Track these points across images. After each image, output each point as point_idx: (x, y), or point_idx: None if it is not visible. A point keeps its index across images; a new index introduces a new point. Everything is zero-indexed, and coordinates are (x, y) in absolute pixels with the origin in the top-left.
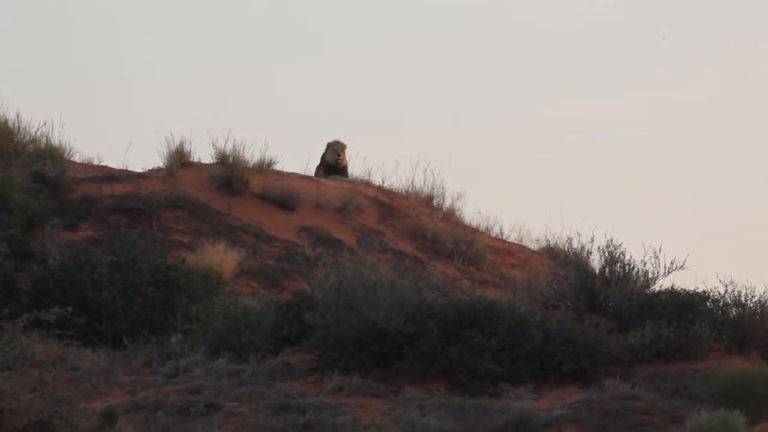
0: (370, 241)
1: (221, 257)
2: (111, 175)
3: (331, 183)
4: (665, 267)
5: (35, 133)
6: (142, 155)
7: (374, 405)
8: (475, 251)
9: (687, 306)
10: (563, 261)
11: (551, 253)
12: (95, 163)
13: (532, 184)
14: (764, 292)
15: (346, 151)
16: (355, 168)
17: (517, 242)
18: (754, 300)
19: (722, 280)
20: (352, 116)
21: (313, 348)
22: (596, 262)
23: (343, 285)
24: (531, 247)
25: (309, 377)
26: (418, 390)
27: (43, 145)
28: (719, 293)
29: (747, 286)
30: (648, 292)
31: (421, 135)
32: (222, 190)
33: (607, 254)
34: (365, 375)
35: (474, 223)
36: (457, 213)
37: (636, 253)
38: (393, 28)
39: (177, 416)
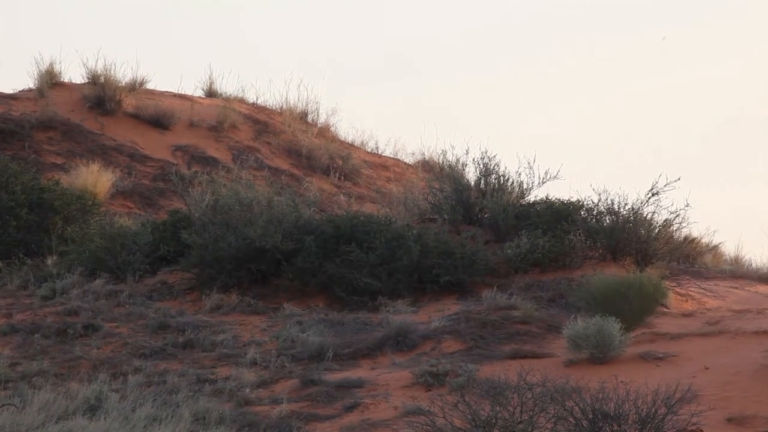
0: (246, 159)
1: (95, 178)
2: None
3: (205, 101)
4: (539, 177)
5: None
6: (11, 76)
7: (253, 322)
8: (351, 166)
9: (562, 215)
10: (438, 174)
11: (426, 166)
12: None
13: (407, 99)
14: (636, 200)
15: None
16: (229, 85)
17: (392, 156)
18: (626, 208)
19: (596, 189)
20: (225, 32)
21: (190, 267)
22: (471, 174)
23: (220, 203)
24: (406, 160)
25: (187, 296)
26: (297, 306)
27: None
28: (593, 202)
29: (620, 194)
30: (523, 202)
31: (293, 50)
32: (94, 110)
33: (482, 166)
34: (244, 292)
35: (349, 139)
36: (332, 128)
37: (511, 165)
38: None
39: (55, 338)
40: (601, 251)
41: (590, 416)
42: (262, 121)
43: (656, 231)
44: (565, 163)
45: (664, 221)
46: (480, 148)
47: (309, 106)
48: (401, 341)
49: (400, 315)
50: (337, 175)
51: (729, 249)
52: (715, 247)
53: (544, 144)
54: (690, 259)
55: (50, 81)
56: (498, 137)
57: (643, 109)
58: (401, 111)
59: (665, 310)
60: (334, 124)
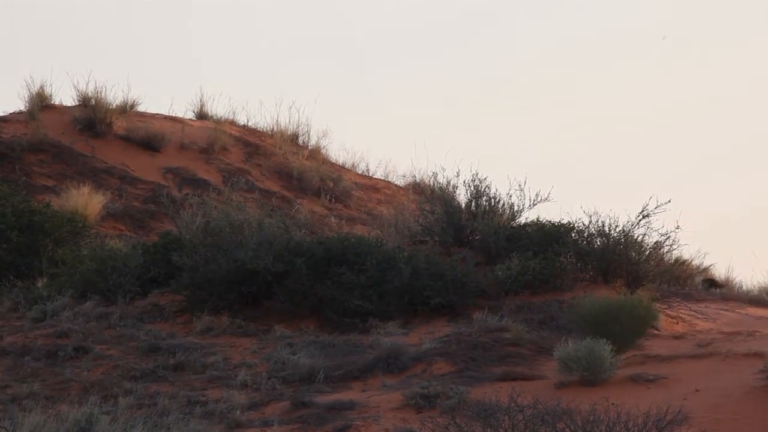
0: (237, 181)
1: (86, 200)
2: None
3: (196, 123)
4: (530, 199)
5: None
6: (2, 99)
7: (244, 344)
8: (342, 188)
9: (552, 237)
10: (429, 196)
11: (417, 188)
12: None
13: (397, 121)
14: (627, 222)
15: None
16: (220, 107)
17: (383, 178)
18: (617, 230)
19: (586, 211)
20: (216, 57)
21: (181, 289)
22: (462, 196)
23: (210, 225)
24: (397, 182)
25: (178, 318)
26: (288, 328)
27: None
28: (584, 224)
29: (610, 216)
30: (514, 224)
31: (285, 73)
32: (85, 133)
33: (472, 188)
34: (234, 314)
35: (340, 161)
36: (323, 150)
37: (501, 187)
38: None
39: (45, 360)
40: (591, 273)
41: None
42: (252, 144)
43: (647, 253)
44: (556, 185)
45: (655, 243)
46: (471, 170)
47: (300, 128)
48: (392, 363)
49: (390, 337)
50: (328, 197)
51: (719, 271)
52: (706, 269)
53: (536, 165)
54: (680, 281)
55: (41, 103)
56: (489, 159)
57: (634, 123)
58: (391, 132)
59: (656, 332)
60: (324, 146)
